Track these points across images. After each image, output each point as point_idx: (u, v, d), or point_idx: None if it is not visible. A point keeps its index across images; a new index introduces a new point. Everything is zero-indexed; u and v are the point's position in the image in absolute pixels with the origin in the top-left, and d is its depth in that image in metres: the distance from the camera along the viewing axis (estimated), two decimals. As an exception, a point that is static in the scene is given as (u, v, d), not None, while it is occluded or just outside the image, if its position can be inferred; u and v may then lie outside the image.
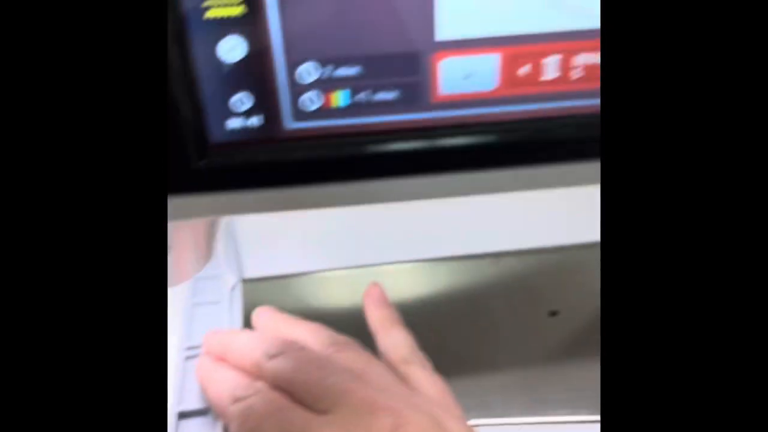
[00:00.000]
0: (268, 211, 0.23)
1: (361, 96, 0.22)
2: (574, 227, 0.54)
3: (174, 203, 0.22)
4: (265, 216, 0.27)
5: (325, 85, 0.21)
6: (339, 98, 0.22)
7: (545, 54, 0.21)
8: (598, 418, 0.42)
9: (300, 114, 0.22)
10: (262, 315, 0.41)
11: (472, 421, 0.36)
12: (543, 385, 0.43)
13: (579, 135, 0.23)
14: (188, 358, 0.44)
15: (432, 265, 0.52)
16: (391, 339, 0.37)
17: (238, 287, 0.47)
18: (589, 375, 0.43)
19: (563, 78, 0.22)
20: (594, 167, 0.24)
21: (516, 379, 0.43)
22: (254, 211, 0.23)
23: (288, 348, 0.35)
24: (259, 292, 0.49)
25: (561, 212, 0.56)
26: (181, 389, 0.42)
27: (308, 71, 0.21)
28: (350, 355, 0.35)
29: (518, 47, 0.21)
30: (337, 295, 0.50)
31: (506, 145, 0.23)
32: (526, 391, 0.42)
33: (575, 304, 0.48)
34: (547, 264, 0.52)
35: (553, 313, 0.47)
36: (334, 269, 0.52)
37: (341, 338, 0.37)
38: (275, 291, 0.51)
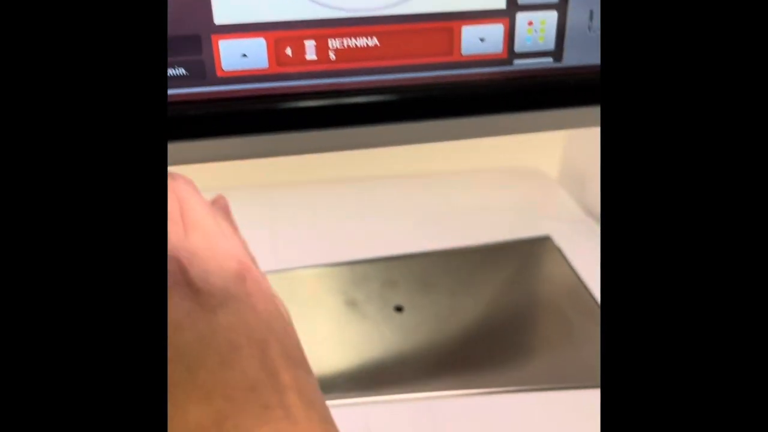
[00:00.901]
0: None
1: (155, 71, 0.26)
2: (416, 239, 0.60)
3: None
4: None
5: (124, 61, 0.26)
6: (137, 73, 0.26)
7: (302, 38, 0.27)
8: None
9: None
10: None
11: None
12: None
13: (343, 106, 0.29)
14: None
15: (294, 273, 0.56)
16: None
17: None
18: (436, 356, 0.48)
19: (322, 59, 0.27)
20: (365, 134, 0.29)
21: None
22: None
23: None
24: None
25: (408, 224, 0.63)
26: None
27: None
28: None
29: (280, 32, 0.27)
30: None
31: (284, 113, 0.28)
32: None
33: (418, 302, 0.53)
34: (395, 268, 0.57)
35: (399, 309, 0.52)
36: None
37: None
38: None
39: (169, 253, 0.32)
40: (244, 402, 0.29)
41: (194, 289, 0.31)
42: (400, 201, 0.65)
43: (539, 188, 0.70)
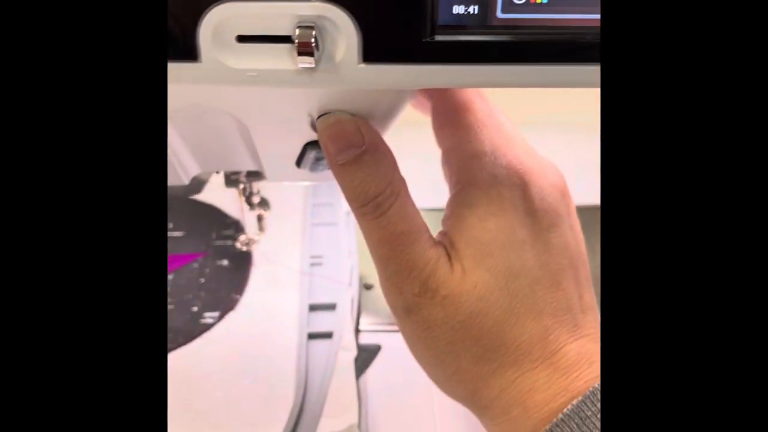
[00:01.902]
0: (476, 84, 0.29)
1: (562, -5, 0.28)
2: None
3: (402, 70, 0.28)
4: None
5: (535, -17, 0.27)
6: (544, -5, 0.28)
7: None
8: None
9: (509, 6, 0.28)
10: None
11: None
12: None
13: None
14: (312, 264, 0.51)
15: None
16: None
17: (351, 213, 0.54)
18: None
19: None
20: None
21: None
22: (465, 83, 0.29)
23: None
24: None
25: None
26: (310, 288, 0.48)
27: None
28: None
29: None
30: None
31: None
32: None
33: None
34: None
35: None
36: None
37: None
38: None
39: (510, 167, 0.33)
40: (563, 320, 0.32)
41: (534, 208, 0.33)
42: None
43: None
